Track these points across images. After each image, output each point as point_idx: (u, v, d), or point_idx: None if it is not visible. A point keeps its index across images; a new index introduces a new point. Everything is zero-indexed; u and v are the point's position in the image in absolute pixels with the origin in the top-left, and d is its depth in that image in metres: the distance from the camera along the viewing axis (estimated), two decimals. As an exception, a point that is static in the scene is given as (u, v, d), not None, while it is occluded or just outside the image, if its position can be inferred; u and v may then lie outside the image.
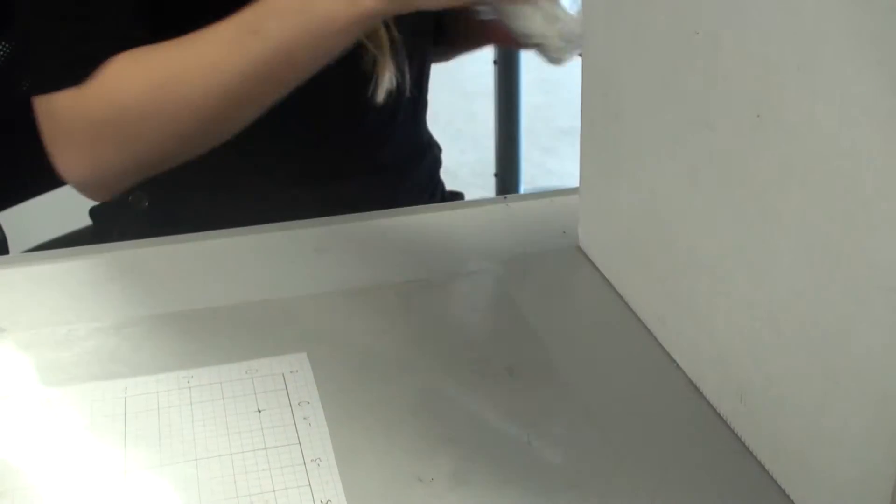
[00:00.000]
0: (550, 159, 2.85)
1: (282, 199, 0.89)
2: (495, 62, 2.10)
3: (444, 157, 1.04)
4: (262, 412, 0.55)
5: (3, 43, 1.01)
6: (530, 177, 2.49)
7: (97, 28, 0.73)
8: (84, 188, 0.79)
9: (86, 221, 1.06)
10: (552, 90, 3.48)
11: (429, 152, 1.01)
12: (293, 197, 0.89)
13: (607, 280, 0.68)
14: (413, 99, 0.93)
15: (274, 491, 0.49)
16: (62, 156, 0.76)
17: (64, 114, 0.74)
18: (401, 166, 0.95)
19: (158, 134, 0.73)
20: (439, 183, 1.03)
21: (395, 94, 0.83)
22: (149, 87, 0.72)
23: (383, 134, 0.92)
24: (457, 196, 1.07)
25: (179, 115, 0.72)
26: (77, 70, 0.73)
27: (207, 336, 0.62)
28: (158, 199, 0.91)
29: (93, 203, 1.01)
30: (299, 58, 0.68)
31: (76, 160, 0.76)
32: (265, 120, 0.74)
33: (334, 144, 0.90)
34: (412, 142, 0.98)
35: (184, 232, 0.75)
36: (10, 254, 0.98)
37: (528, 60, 2.23)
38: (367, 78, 0.81)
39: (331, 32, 0.66)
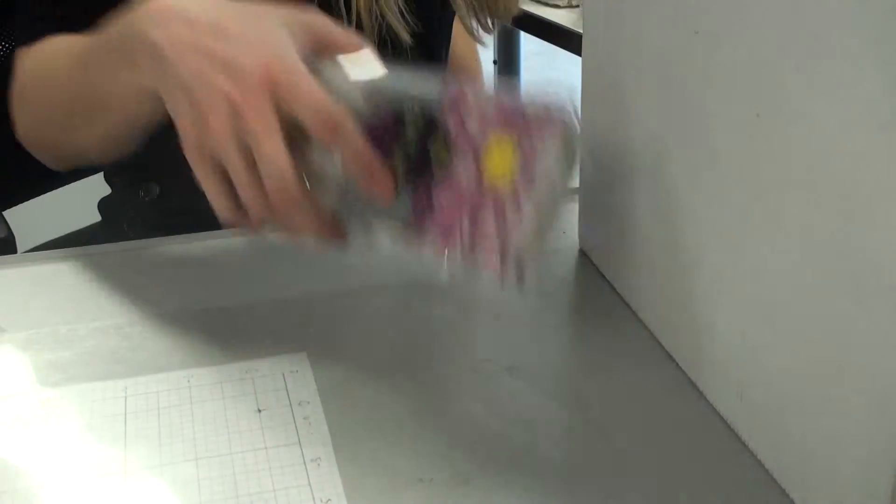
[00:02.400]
0: (550, 159, 2.84)
1: None
2: (495, 62, 2.10)
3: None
4: (262, 412, 0.55)
5: (4, 43, 1.01)
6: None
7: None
8: (28, 147, 0.80)
9: (96, 217, 1.06)
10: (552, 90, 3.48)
11: None
12: None
13: (607, 280, 0.68)
14: None
15: (274, 490, 0.49)
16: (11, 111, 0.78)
17: (13, 71, 0.76)
18: None
19: (41, 116, 0.75)
20: None
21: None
22: (32, 68, 0.74)
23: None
24: None
25: (49, 102, 0.73)
26: (37, 30, 0.74)
27: (207, 336, 0.62)
28: (168, 191, 0.91)
29: (101, 196, 1.01)
30: (104, 94, 0.66)
31: (13, 117, 0.77)
32: None
33: None
34: None
35: (193, 224, 0.76)
36: (21, 251, 0.98)
37: (529, 60, 2.24)
38: None
39: (125, 90, 0.63)
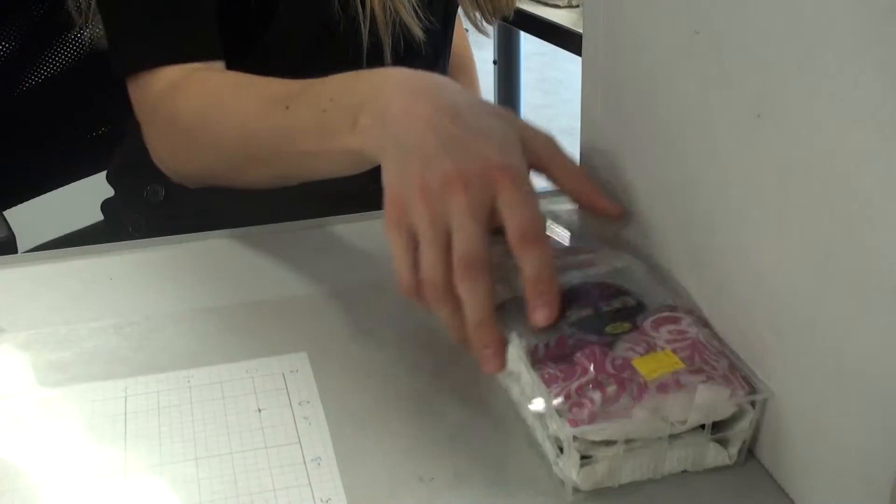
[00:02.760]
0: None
1: (291, 193, 0.89)
2: (495, 62, 2.10)
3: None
4: (262, 411, 0.55)
5: (4, 43, 1.01)
6: (530, 176, 2.49)
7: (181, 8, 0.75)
8: (162, 169, 0.81)
9: (97, 217, 1.06)
10: (552, 90, 3.48)
11: None
12: (301, 190, 0.90)
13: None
14: None
15: (274, 490, 0.49)
16: (145, 134, 0.78)
17: (146, 99, 0.76)
18: None
19: (203, 151, 0.75)
20: None
21: None
22: (200, 108, 0.73)
23: None
24: None
25: (216, 142, 0.73)
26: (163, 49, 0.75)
27: (207, 336, 0.62)
28: (173, 194, 0.91)
29: (103, 196, 1.01)
30: (303, 148, 0.66)
31: (151, 144, 0.78)
32: None
33: None
34: None
35: (198, 227, 0.76)
36: (22, 251, 0.97)
37: (529, 60, 2.24)
38: None
39: (331, 147, 0.63)
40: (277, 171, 0.71)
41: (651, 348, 0.50)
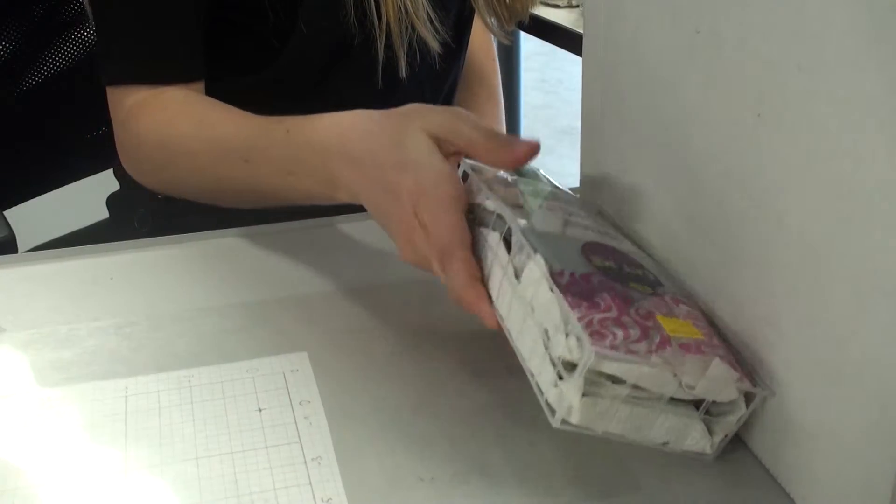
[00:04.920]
0: (550, 159, 2.85)
1: None
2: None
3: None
4: (262, 411, 0.55)
5: (5, 42, 1.01)
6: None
7: (166, 22, 0.77)
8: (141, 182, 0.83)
9: (100, 215, 1.06)
10: (552, 90, 3.48)
11: None
12: None
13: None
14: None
15: (275, 489, 0.49)
16: (117, 144, 0.80)
17: (117, 113, 0.78)
18: None
19: (168, 180, 0.78)
20: None
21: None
22: (158, 141, 0.76)
23: None
24: None
25: (178, 178, 0.77)
26: (146, 69, 0.77)
27: (208, 335, 0.62)
28: None
29: (103, 198, 1.01)
30: (276, 199, 0.70)
31: (121, 156, 0.80)
32: None
33: None
34: None
35: (200, 220, 0.76)
36: (22, 251, 0.97)
37: (529, 60, 2.24)
38: (386, 84, 0.82)
39: (303, 200, 0.68)
40: (249, 204, 0.76)
41: (672, 315, 0.50)
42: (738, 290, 0.51)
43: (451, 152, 0.59)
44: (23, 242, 1.00)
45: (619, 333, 0.47)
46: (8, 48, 1.02)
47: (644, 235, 0.61)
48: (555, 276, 0.50)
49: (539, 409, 0.56)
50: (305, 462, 0.51)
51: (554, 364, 0.48)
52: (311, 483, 0.50)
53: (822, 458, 0.46)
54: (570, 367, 0.47)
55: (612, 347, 0.46)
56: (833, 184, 0.42)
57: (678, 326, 0.49)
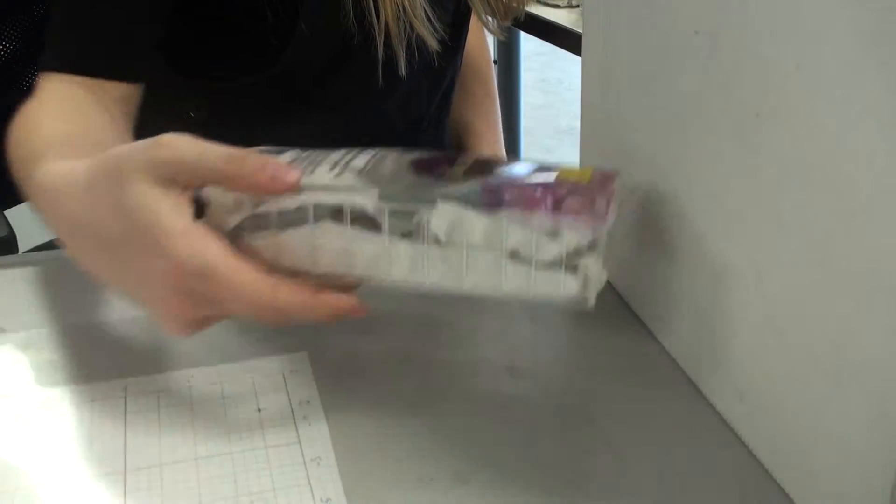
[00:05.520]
0: (550, 159, 2.85)
1: None
2: (495, 62, 2.09)
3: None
4: (262, 411, 0.55)
5: (4, 43, 1.01)
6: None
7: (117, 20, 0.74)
8: None
9: None
10: (552, 90, 3.48)
11: None
12: None
13: (607, 280, 0.67)
14: (438, 106, 0.94)
15: (274, 490, 0.49)
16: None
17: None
18: None
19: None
20: None
21: (419, 104, 0.83)
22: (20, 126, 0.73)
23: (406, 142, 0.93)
24: None
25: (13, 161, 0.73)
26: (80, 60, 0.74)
27: (207, 335, 0.62)
28: None
29: None
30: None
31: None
32: (291, 134, 0.74)
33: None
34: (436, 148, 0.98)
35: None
36: (22, 251, 0.98)
37: (529, 60, 2.24)
38: (386, 82, 0.82)
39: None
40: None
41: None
42: (738, 290, 0.51)
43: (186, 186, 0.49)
44: (23, 242, 1.00)
45: (577, 204, 0.48)
46: (8, 48, 1.02)
47: (641, 234, 0.61)
48: (470, 204, 0.48)
49: (539, 410, 0.56)
50: (305, 462, 0.51)
51: (559, 264, 0.48)
52: (310, 483, 0.50)
53: (822, 458, 0.46)
54: (576, 254, 0.48)
55: (593, 218, 0.47)
56: (832, 184, 0.42)
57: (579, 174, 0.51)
